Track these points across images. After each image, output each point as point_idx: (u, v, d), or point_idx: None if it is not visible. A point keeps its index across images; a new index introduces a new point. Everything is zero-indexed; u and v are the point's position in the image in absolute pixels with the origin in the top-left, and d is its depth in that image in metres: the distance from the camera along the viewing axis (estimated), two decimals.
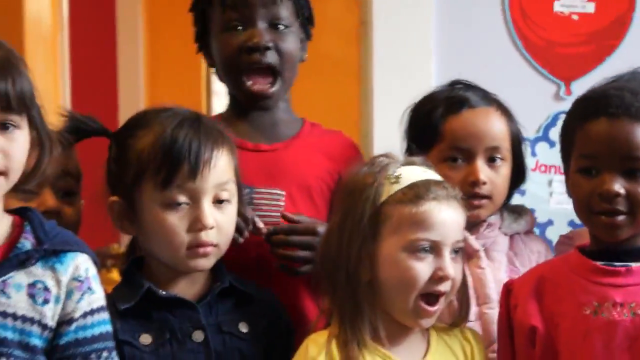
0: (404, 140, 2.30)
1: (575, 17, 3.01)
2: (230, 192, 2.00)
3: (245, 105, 2.32)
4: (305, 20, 2.34)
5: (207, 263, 1.98)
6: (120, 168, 2.01)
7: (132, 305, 1.93)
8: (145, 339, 1.93)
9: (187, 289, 2.00)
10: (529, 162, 2.77)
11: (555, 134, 2.77)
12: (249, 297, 2.02)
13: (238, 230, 2.09)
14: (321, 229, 2.12)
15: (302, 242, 2.13)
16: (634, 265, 1.97)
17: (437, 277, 1.89)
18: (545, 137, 2.88)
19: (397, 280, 1.91)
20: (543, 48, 2.99)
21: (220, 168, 1.98)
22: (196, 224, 1.94)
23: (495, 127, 2.25)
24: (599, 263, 1.98)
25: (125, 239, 2.29)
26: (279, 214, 2.20)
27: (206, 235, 1.95)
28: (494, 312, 2.15)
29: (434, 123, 2.23)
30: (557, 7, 3.01)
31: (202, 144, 1.95)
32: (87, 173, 2.37)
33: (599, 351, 1.92)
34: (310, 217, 2.20)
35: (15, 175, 1.76)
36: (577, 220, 2.20)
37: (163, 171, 1.93)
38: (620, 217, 1.93)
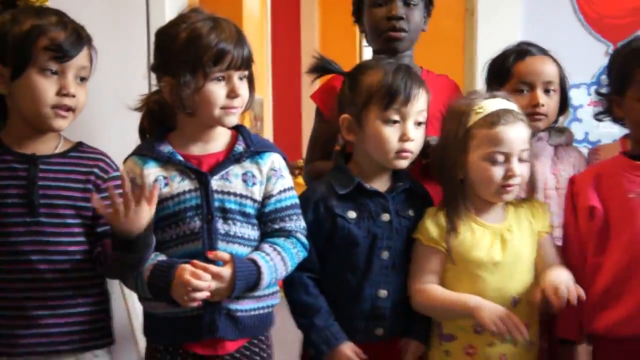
0: (485, 82, 2.21)
1: None
2: (425, 118, 1.91)
3: (383, 50, 2.19)
4: (429, 2, 2.24)
5: (404, 163, 1.89)
6: (354, 94, 1.89)
7: (347, 192, 1.87)
8: (351, 214, 1.86)
9: (380, 183, 1.92)
10: (585, 99, 2.71)
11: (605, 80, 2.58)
12: (416, 192, 1.95)
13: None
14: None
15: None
16: None
17: (508, 176, 1.82)
18: (597, 82, 2.72)
19: (481, 179, 1.84)
20: (597, 20, 2.83)
21: (422, 100, 1.88)
22: (403, 137, 1.85)
23: (549, 68, 2.11)
24: (638, 162, 1.89)
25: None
26: None
27: (408, 145, 1.85)
28: (539, 195, 2.05)
29: (507, 67, 2.12)
30: None
31: (414, 84, 1.86)
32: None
33: (639, 223, 1.82)
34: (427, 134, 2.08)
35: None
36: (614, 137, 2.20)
37: (387, 97, 1.84)
38: None
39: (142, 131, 1.86)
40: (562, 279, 1.79)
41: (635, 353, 1.81)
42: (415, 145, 1.87)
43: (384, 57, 2.03)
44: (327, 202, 1.86)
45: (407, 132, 1.84)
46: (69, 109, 1.64)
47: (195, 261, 1.67)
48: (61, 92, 1.63)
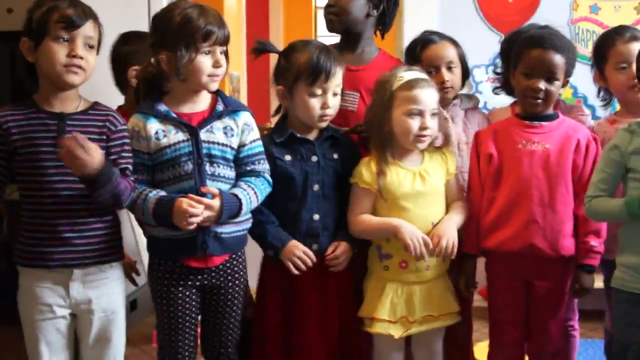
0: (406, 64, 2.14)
1: (510, 0, 2.92)
2: (340, 89, 1.87)
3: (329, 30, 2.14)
4: None
5: (324, 124, 1.86)
6: (286, 71, 1.83)
7: (282, 140, 1.85)
8: (287, 157, 1.83)
9: (309, 133, 1.88)
10: (484, 77, 2.76)
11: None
12: (339, 140, 1.89)
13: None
14: None
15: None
16: (543, 123, 1.86)
17: (422, 127, 1.80)
18: (493, 64, 2.76)
19: (402, 130, 1.81)
20: (494, 17, 2.90)
21: (339, 75, 1.83)
22: (324, 106, 1.81)
23: (448, 51, 2.04)
24: (526, 121, 1.88)
25: (273, 121, 2.13)
26: (356, 105, 2.03)
27: (327, 111, 1.83)
28: (454, 149, 2.00)
29: (417, 54, 2.05)
30: None
31: (332, 63, 1.81)
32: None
33: (526, 167, 1.83)
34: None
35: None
36: (505, 104, 2.14)
37: (312, 76, 1.80)
38: (539, 101, 1.84)
39: (137, 93, 1.81)
40: (448, 232, 1.78)
41: (515, 263, 1.83)
42: (332, 110, 1.84)
43: (314, 40, 1.96)
44: (268, 149, 1.82)
45: (327, 102, 1.81)
46: (79, 67, 1.59)
47: (191, 195, 1.63)
48: (70, 54, 1.58)
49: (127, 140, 1.66)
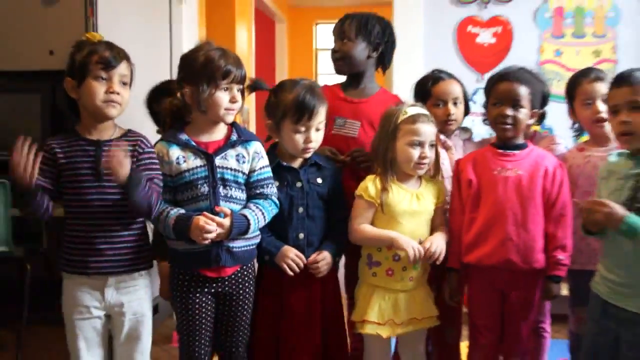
0: (413, 97, 2.24)
1: (486, 45, 3.03)
2: (323, 125, 1.96)
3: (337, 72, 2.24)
4: (369, 37, 2.17)
5: (308, 155, 1.95)
6: (275, 108, 1.94)
7: (271, 167, 1.92)
8: (275, 183, 1.92)
9: (294, 161, 1.98)
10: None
11: (477, 98, 2.78)
12: (322, 166, 1.99)
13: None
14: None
15: (361, 156, 2.11)
16: (515, 152, 1.98)
17: (421, 157, 1.92)
18: (471, 99, 2.82)
19: (404, 158, 1.93)
20: (472, 59, 3.03)
21: (322, 114, 1.93)
22: (306, 140, 1.92)
23: (455, 88, 2.20)
24: (500, 150, 1.99)
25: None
26: (356, 133, 2.15)
27: (310, 145, 1.92)
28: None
29: (427, 89, 2.19)
30: (477, 40, 3.04)
31: (316, 103, 1.91)
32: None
33: (501, 191, 1.94)
34: (369, 135, 2.10)
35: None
36: (486, 135, 2.27)
37: (297, 115, 1.90)
38: (509, 126, 1.95)
39: (163, 124, 1.93)
40: (437, 242, 1.91)
41: (493, 275, 1.93)
42: (315, 143, 1.92)
43: (304, 78, 2.02)
44: None
45: (310, 137, 1.90)
46: (116, 102, 1.72)
47: (205, 213, 1.74)
48: (108, 91, 1.70)
49: (156, 160, 1.78)
